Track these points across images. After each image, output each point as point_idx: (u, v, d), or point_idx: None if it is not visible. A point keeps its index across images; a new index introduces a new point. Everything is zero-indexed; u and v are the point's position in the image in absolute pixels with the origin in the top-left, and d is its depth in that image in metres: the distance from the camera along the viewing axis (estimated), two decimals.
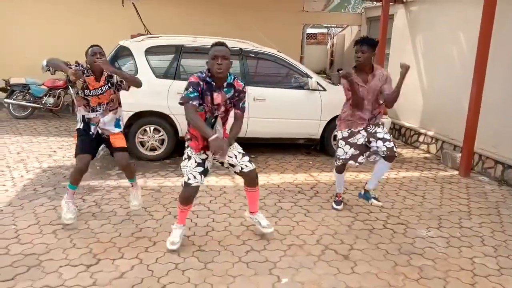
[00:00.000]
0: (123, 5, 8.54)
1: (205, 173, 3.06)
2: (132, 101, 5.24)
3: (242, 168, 3.13)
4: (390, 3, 7.36)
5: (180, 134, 5.46)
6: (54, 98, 8.03)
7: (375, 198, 3.93)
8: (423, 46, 6.85)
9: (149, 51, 5.38)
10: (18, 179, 4.56)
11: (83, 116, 3.58)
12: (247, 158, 3.16)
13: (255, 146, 5.95)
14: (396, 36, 7.84)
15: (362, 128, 3.66)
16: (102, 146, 3.74)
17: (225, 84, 3.00)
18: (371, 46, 3.43)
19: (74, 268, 2.82)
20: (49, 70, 7.86)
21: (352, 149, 3.68)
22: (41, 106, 7.96)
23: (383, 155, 3.60)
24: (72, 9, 8.77)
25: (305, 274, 2.85)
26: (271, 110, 5.53)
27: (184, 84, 5.36)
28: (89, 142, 3.52)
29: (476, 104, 5.04)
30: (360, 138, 3.67)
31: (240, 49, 5.62)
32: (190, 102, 2.86)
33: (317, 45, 18.25)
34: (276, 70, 5.88)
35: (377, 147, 3.60)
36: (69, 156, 5.54)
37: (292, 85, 5.81)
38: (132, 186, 3.74)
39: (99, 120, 3.55)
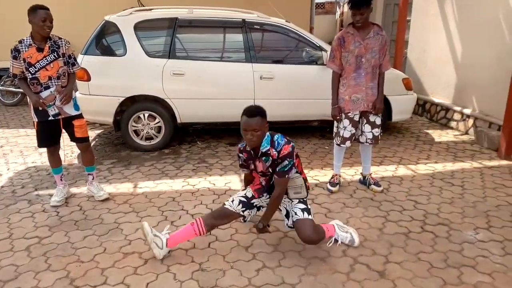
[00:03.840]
0: None
1: (247, 206, 2.71)
2: (122, 85, 4.63)
3: (291, 215, 2.67)
4: None
5: (178, 120, 4.83)
6: None
7: (375, 184, 3.71)
8: (454, 9, 5.99)
9: (139, 27, 4.68)
10: None
11: (35, 109, 3.21)
12: (302, 205, 2.64)
13: None
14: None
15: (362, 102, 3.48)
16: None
17: (259, 153, 2.57)
18: (368, 5, 3.25)
19: None
20: None
21: (350, 125, 3.53)
22: None
23: (366, 143, 3.60)
24: None
25: None
26: (280, 90, 4.85)
27: (180, 62, 4.82)
28: (49, 133, 3.33)
29: None
30: (357, 114, 3.54)
31: (243, 20, 4.90)
32: (241, 169, 2.87)
33: (325, 15, 17.22)
34: (285, 44, 5.16)
35: (363, 132, 3.57)
36: None
37: (303, 60, 5.11)
38: (93, 178, 3.56)
39: (55, 98, 3.19)
